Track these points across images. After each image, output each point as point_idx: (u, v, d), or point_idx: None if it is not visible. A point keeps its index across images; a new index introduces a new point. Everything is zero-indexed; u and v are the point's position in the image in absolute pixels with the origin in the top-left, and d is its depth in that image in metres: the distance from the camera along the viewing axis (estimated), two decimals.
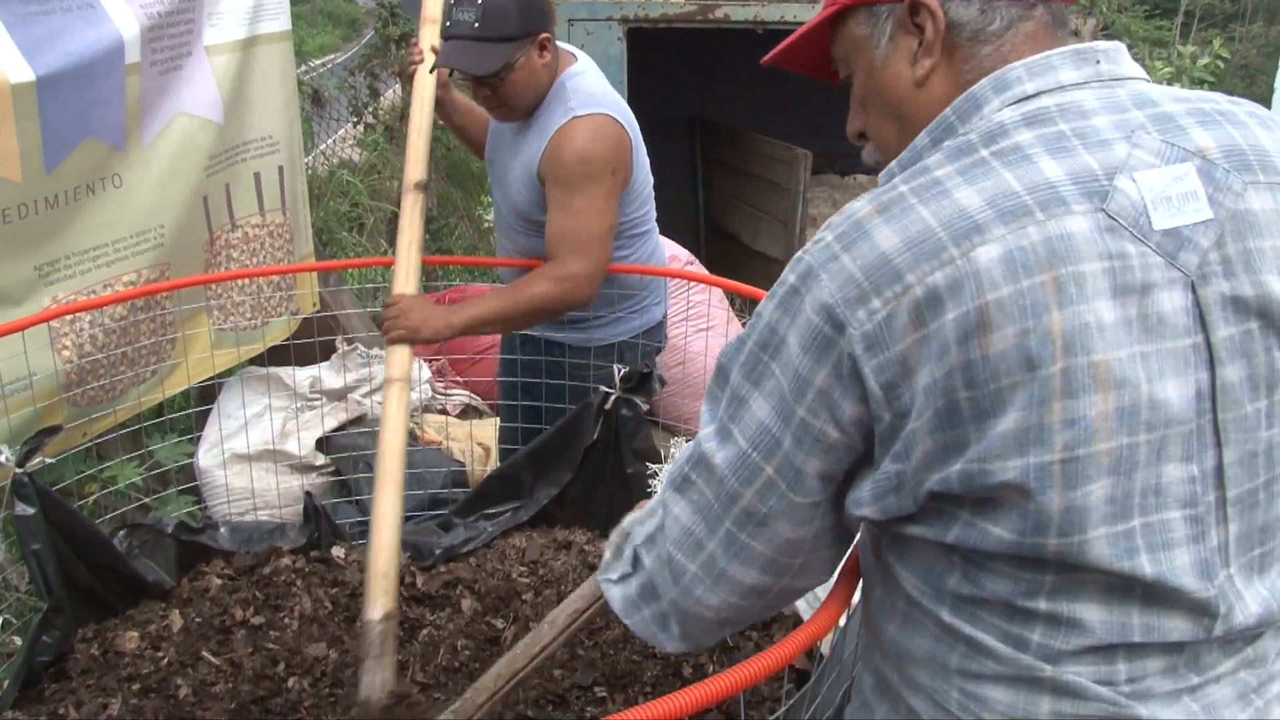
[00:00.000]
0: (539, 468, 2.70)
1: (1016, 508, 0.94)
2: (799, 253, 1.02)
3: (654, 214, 2.71)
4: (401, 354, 2.32)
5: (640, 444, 2.62)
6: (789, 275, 1.02)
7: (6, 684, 2.17)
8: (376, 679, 1.87)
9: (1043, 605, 0.97)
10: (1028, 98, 1.01)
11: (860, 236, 0.97)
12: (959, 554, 1.00)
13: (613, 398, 2.59)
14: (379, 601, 1.93)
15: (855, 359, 0.96)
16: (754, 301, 2.52)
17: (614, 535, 1.28)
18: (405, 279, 2.39)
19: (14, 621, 2.49)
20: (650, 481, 2.60)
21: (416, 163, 2.48)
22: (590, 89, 2.44)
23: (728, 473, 1.05)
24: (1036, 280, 0.90)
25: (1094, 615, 0.96)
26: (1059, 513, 0.93)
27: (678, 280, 3.69)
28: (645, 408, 2.59)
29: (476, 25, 2.30)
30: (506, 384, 2.85)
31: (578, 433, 2.64)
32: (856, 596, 1.25)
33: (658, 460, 2.62)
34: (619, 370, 2.58)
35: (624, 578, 1.22)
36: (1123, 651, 0.97)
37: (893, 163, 1.09)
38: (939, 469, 0.96)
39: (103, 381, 2.72)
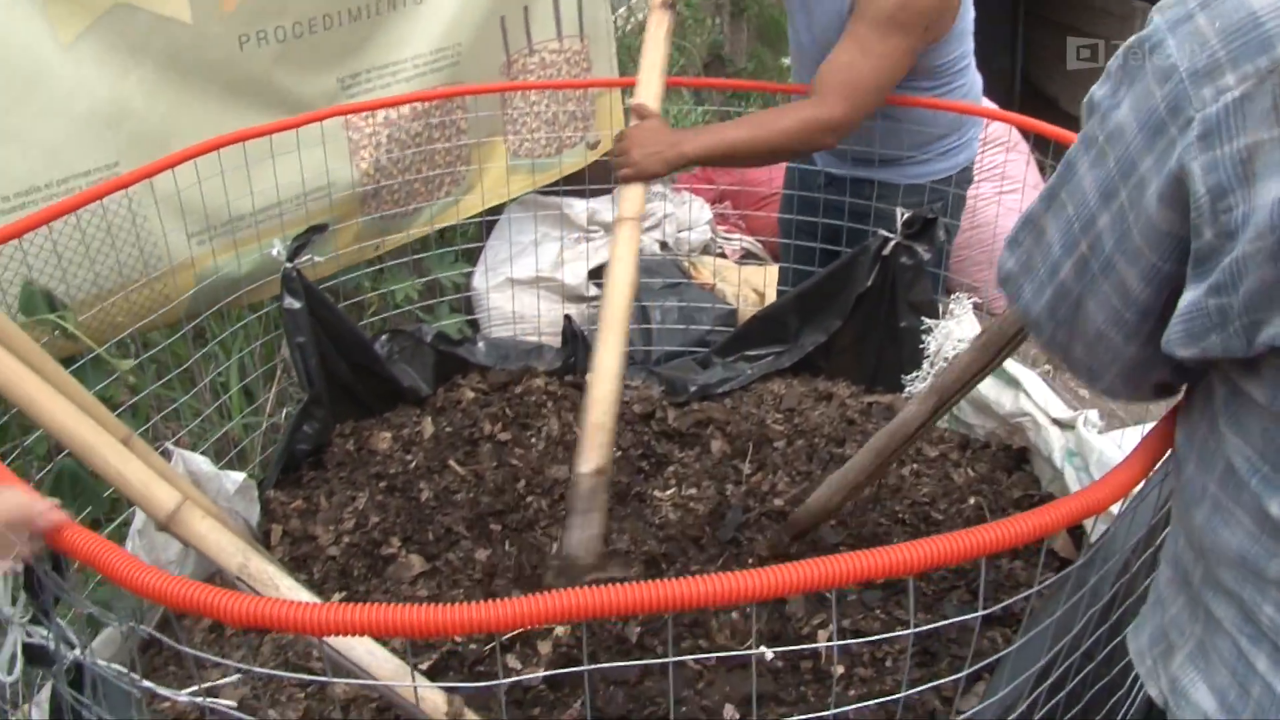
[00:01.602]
0: (806, 312, 2.51)
1: None
2: (1151, 10, 0.80)
3: (973, 47, 2.40)
4: (632, 191, 2.10)
5: (917, 296, 2.37)
6: (1134, 36, 0.80)
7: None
8: (582, 535, 1.77)
9: None
10: None
11: None
12: None
13: (892, 243, 2.34)
14: (592, 455, 1.80)
15: (1184, 149, 0.73)
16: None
17: None
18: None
19: (293, 411, 2.60)
20: (924, 338, 2.36)
21: None
22: None
23: (1055, 237, 0.92)
24: None
25: None
26: None
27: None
28: (926, 257, 2.33)
29: None
30: (785, 221, 2.65)
31: (851, 278, 2.42)
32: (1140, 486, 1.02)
33: (934, 315, 2.36)
34: (901, 214, 2.33)
35: None
36: None
37: None
38: None
39: (397, 199, 2.73)
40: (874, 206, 2.41)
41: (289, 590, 1.38)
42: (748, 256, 3.85)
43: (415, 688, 1.39)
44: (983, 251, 3.63)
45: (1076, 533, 2.00)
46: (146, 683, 1.06)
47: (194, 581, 0.85)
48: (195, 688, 0.98)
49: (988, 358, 1.49)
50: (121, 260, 2.05)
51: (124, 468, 1.36)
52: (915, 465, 2.21)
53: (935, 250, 2.32)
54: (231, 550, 1.38)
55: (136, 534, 1.82)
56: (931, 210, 2.28)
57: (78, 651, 1.03)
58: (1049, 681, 1.17)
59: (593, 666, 1.46)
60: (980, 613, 1.01)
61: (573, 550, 1.77)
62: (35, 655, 1.02)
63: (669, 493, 2.23)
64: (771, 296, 3.26)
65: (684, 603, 0.85)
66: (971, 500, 2.09)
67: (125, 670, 0.98)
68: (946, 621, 1.16)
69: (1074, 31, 5.25)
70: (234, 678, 1.52)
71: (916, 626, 1.03)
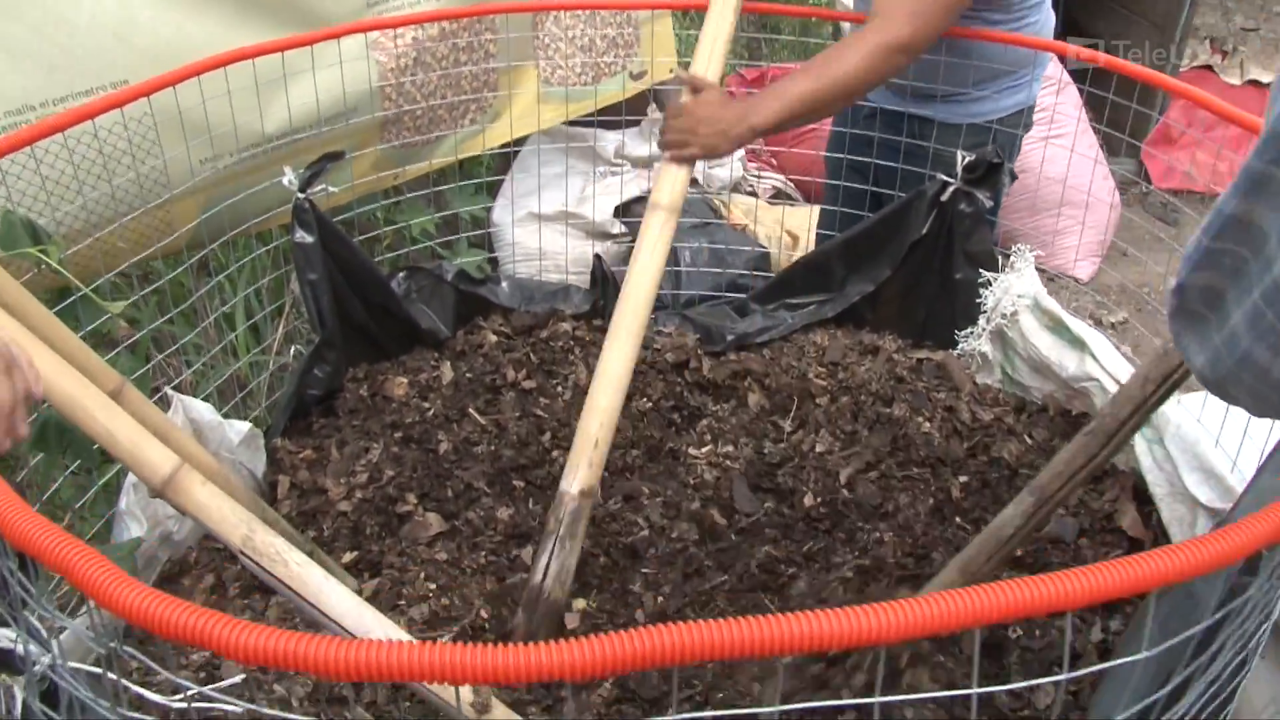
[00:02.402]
0: (854, 259, 2.34)
1: None
2: None
3: None
4: (675, 176, 1.89)
5: (975, 246, 2.20)
6: None
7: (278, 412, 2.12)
8: (554, 564, 1.63)
9: None
10: None
11: None
12: None
13: (951, 188, 2.17)
14: (580, 473, 1.66)
15: None
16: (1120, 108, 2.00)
17: None
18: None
19: (302, 350, 2.45)
20: (981, 291, 2.19)
21: None
22: None
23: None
24: None
25: None
26: None
27: None
28: (988, 204, 2.16)
29: None
30: (834, 161, 2.46)
31: (904, 225, 2.25)
32: None
33: (993, 267, 2.20)
34: (962, 157, 2.15)
35: None
36: None
37: None
38: None
39: (419, 125, 2.54)
40: (932, 147, 2.22)
41: (299, 567, 1.24)
42: (778, 196, 3.66)
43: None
44: (1024, 198, 3.44)
45: (1145, 509, 1.85)
46: (130, 686, 0.91)
47: (184, 604, 0.70)
48: (185, 694, 0.82)
49: (1098, 445, 1.28)
50: (116, 186, 1.88)
51: (112, 425, 1.21)
52: (969, 428, 2.06)
53: (997, 198, 2.14)
54: (235, 521, 1.24)
55: (131, 488, 1.68)
56: (996, 154, 2.10)
57: (49, 660, 0.88)
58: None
59: None
60: (1064, 676, 0.82)
61: (548, 584, 1.63)
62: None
63: (704, 450, 2.09)
64: (807, 239, 3.10)
65: (748, 648, 0.68)
66: (1019, 469, 1.95)
67: (103, 671, 0.83)
68: (1018, 685, 0.99)
69: None
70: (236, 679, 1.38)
71: (981, 686, 0.85)
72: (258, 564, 1.23)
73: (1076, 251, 3.49)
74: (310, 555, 1.71)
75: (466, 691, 1.28)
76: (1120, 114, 2.19)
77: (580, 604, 1.75)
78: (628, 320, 1.75)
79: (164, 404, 1.74)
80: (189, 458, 1.53)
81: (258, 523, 1.25)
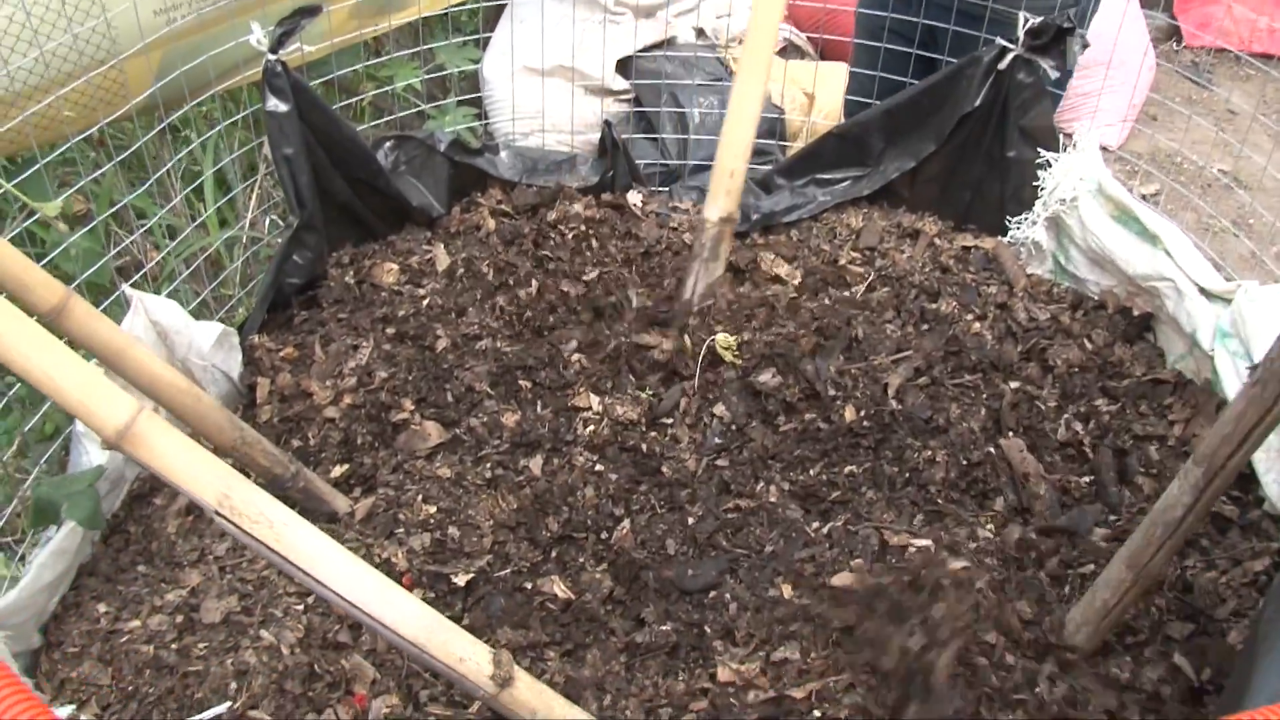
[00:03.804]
0: (895, 131, 2.09)
1: None
2: None
3: None
4: None
5: (1034, 122, 1.96)
6: None
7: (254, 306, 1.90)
8: (700, 283, 1.82)
9: None
10: None
11: None
12: None
13: (1010, 55, 1.92)
14: (719, 201, 1.80)
15: None
16: None
17: None
18: None
19: (280, 223, 2.21)
20: (1038, 173, 1.97)
21: None
22: None
23: None
24: None
25: None
26: None
27: None
28: (1053, 75, 1.91)
29: None
30: (869, 18, 2.19)
31: (954, 95, 2.00)
32: None
33: (1052, 146, 1.97)
34: (1025, 19, 1.89)
35: None
36: None
37: None
38: None
39: None
40: (989, 6, 1.96)
41: (285, 528, 1.06)
42: (789, 49, 3.36)
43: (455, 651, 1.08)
44: (1084, 74, 3.12)
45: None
46: None
47: None
48: None
49: (1273, 394, 1.03)
50: (47, 52, 1.60)
51: (54, 368, 0.99)
52: (1023, 329, 1.86)
53: (1064, 68, 1.89)
54: (208, 477, 1.04)
55: None
56: (1068, 17, 1.84)
57: None
58: None
59: None
60: None
61: (695, 300, 1.81)
62: None
63: (730, 342, 1.88)
64: (824, 100, 2.83)
65: None
66: (1077, 378, 1.75)
67: None
68: None
69: None
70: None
71: None
72: (238, 526, 1.04)
73: (1104, 116, 3.23)
74: (295, 473, 1.53)
75: (485, 663, 1.12)
76: None
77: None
78: (756, 54, 1.80)
79: (123, 306, 1.52)
80: (150, 383, 1.33)
81: (235, 477, 1.05)
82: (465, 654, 1.11)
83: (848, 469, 1.62)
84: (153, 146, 1.90)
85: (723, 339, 1.76)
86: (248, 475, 1.56)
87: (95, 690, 1.30)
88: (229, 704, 1.24)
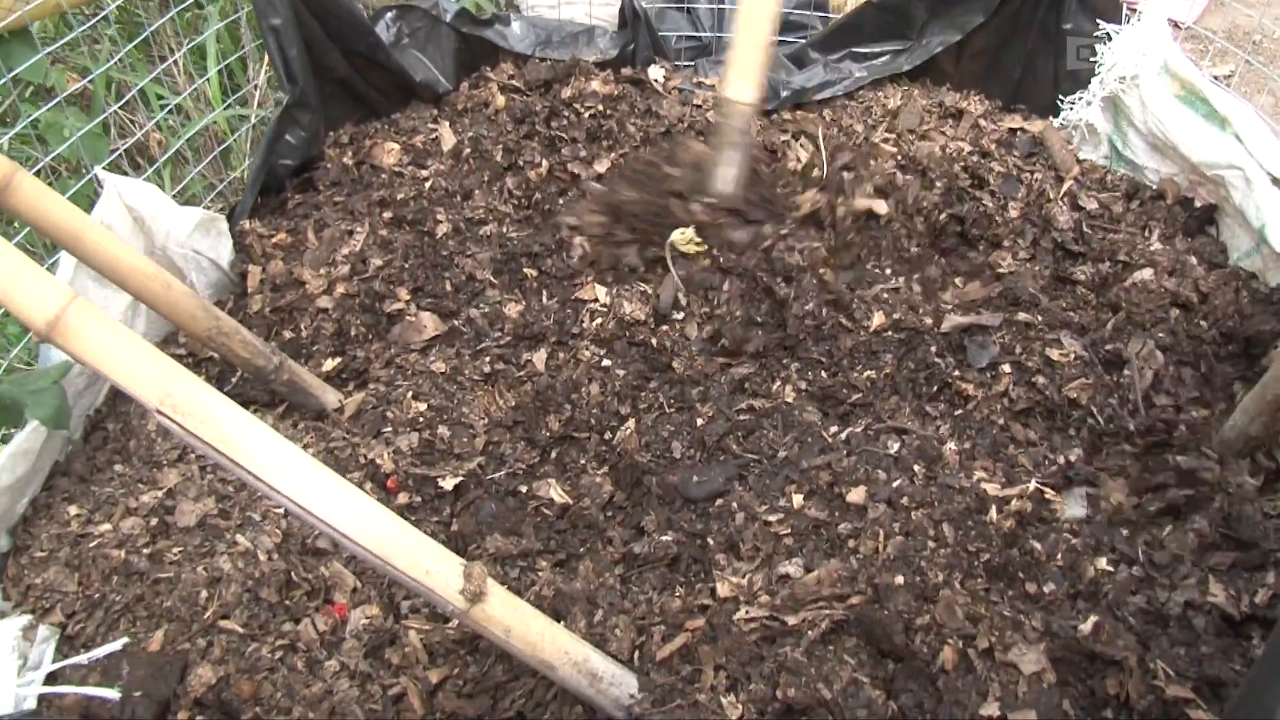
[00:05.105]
0: (938, 1, 1.92)
1: None
2: None
3: None
4: None
5: None
6: None
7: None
8: (730, 173, 1.61)
9: None
10: None
11: None
12: None
13: None
14: (743, 81, 1.56)
15: None
16: None
17: None
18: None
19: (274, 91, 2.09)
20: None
21: None
22: None
23: None
24: None
25: None
26: None
27: None
28: None
29: None
30: None
31: None
32: None
33: (1115, 19, 1.78)
34: None
35: None
36: None
37: None
38: None
39: None
40: None
41: (232, 425, 0.96)
42: None
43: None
44: None
45: None
46: None
47: None
48: None
49: None
50: None
51: None
52: (1074, 214, 1.71)
53: None
54: (149, 372, 0.95)
55: None
56: None
57: None
58: None
59: None
60: None
61: (724, 187, 1.62)
62: None
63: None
64: None
65: None
66: (1132, 279, 1.60)
67: None
68: None
69: None
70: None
71: None
72: (181, 426, 0.95)
73: None
74: (279, 365, 1.45)
75: (455, 576, 1.03)
76: None
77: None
78: None
79: (96, 187, 1.42)
80: (112, 268, 1.24)
81: (181, 373, 0.96)
82: (433, 566, 1.02)
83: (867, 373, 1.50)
84: (155, 21, 1.78)
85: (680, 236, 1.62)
86: (230, 368, 1.48)
87: (60, 598, 1.23)
88: (124, 640, 1.17)
